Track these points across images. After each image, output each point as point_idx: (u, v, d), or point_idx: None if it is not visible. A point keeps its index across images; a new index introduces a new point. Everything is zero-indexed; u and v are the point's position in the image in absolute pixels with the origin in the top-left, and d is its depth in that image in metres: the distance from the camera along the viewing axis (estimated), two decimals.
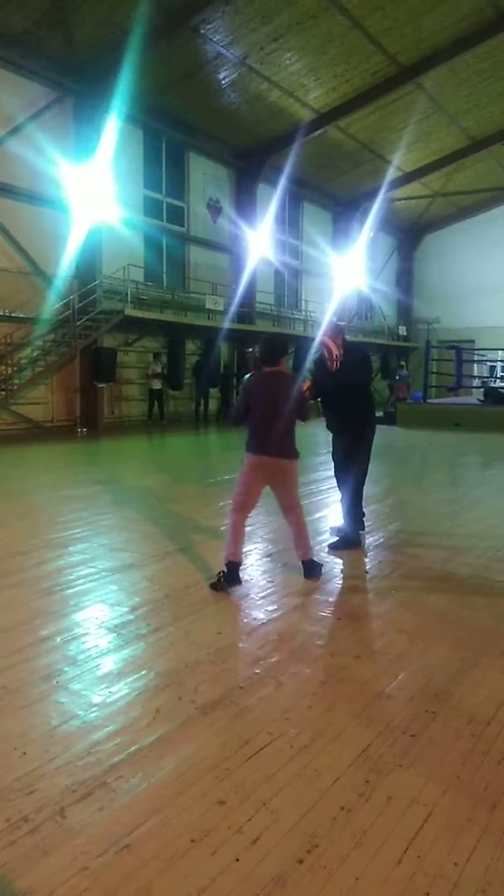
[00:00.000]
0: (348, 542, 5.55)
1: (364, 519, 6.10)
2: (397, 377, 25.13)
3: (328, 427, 5.74)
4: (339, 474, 5.73)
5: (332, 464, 5.86)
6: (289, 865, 2.04)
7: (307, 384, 5.13)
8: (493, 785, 2.43)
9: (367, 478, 5.85)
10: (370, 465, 5.83)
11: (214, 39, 14.88)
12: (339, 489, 5.82)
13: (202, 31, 14.53)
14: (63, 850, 2.10)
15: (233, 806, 2.31)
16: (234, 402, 4.82)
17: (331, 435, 5.79)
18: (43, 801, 2.32)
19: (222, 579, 4.47)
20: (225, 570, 4.50)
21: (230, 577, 4.49)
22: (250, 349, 19.01)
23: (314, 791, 2.39)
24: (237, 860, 2.06)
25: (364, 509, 6.33)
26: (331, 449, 5.85)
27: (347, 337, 5.75)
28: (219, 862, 2.05)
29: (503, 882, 1.97)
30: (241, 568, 4.58)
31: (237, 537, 4.54)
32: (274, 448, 4.52)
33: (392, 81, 17.61)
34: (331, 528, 6.04)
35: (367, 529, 6.09)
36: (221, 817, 2.25)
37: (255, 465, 4.56)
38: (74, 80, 14.69)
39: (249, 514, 4.73)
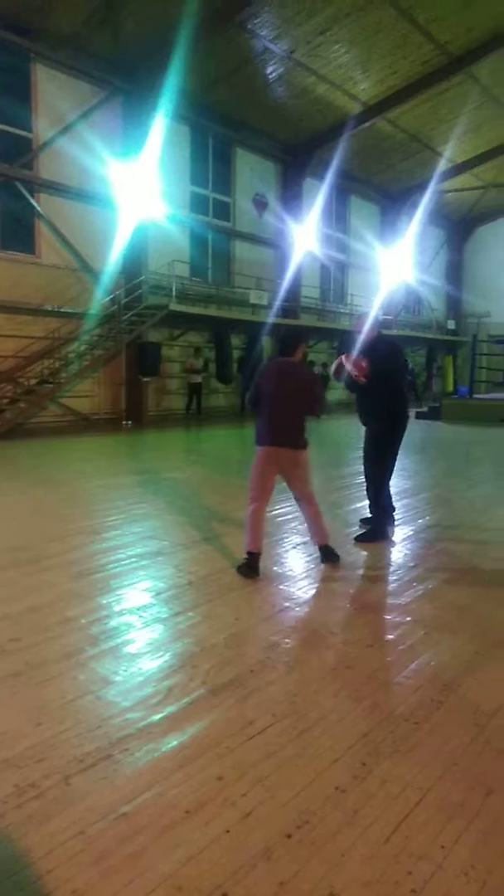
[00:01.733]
0: (375, 535, 5.55)
1: (394, 512, 6.10)
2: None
3: (360, 419, 5.74)
4: (366, 467, 5.74)
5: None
6: (277, 839, 2.10)
7: (362, 364, 5.18)
8: (490, 773, 2.44)
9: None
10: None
11: (261, 34, 14.90)
12: (366, 482, 5.83)
13: (249, 27, 14.56)
14: (64, 815, 2.21)
15: (230, 781, 2.38)
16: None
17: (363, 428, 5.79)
18: (50, 769, 2.44)
19: (244, 568, 4.57)
20: (246, 559, 4.58)
21: (250, 567, 4.57)
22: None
23: (311, 771, 2.44)
24: (228, 832, 2.13)
25: (397, 503, 6.32)
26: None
27: (396, 331, 5.75)
28: (210, 833, 2.13)
29: (487, 867, 2.00)
30: (261, 558, 4.66)
31: (256, 528, 4.62)
32: (283, 439, 4.56)
33: (442, 71, 17.30)
34: (360, 520, 6.05)
35: (397, 522, 6.09)
36: (217, 791, 2.33)
37: (266, 457, 4.61)
38: (122, 79, 14.93)
39: (268, 504, 4.78)
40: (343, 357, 5.34)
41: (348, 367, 5.21)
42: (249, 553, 4.59)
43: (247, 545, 4.62)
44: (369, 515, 5.86)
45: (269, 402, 4.57)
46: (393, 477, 5.89)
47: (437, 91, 18.17)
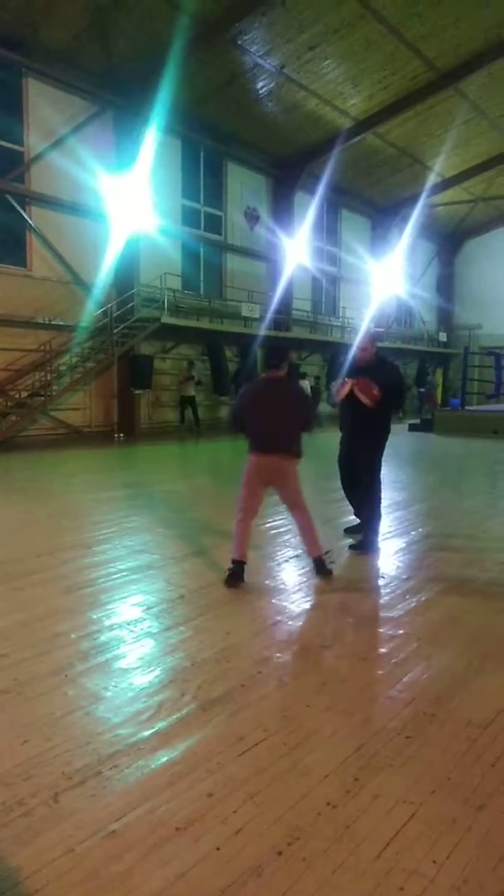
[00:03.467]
0: (367, 546, 5.55)
1: (381, 522, 6.11)
2: (427, 385, 25.22)
3: (340, 428, 5.79)
4: (353, 481, 5.79)
5: (345, 469, 5.88)
6: (268, 856, 2.08)
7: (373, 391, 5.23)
8: (483, 787, 2.42)
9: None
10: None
11: (251, 50, 15.05)
12: (351, 494, 5.88)
13: (239, 42, 14.72)
14: (52, 834, 2.18)
15: (220, 798, 2.36)
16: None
17: (340, 436, 5.84)
18: (38, 787, 2.41)
19: (230, 578, 4.60)
20: (232, 567, 4.63)
21: (234, 575, 4.60)
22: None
23: (302, 786, 2.42)
24: (218, 849, 2.11)
25: (389, 514, 6.32)
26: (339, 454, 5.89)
27: (387, 343, 5.86)
28: (200, 850, 2.10)
29: (479, 881, 1.98)
30: (245, 566, 4.69)
31: (242, 537, 4.67)
32: (272, 446, 4.57)
33: (431, 87, 17.54)
34: (345, 529, 6.06)
35: (390, 534, 6.09)
36: (208, 808, 2.30)
37: (255, 465, 4.64)
38: (114, 93, 15.03)
39: (256, 515, 4.80)
40: (350, 382, 5.34)
41: (362, 398, 5.23)
42: (235, 561, 4.63)
43: (232, 552, 4.68)
44: (353, 525, 5.91)
45: (254, 417, 4.61)
46: (384, 489, 5.91)
47: (425, 106, 18.42)
